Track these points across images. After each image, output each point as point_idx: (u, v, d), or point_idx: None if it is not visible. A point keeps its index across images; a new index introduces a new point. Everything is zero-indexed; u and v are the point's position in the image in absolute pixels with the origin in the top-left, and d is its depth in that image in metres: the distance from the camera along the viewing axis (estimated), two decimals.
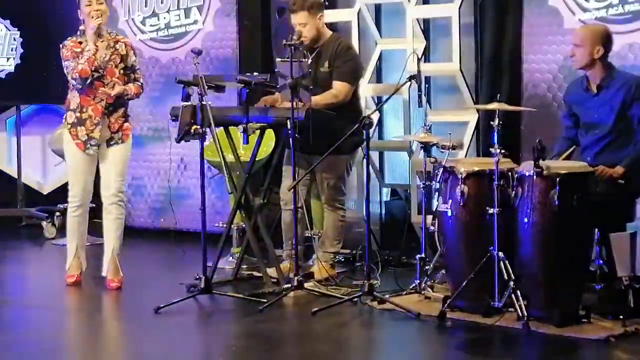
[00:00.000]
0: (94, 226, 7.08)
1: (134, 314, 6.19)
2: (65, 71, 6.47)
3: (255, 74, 6.52)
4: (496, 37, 7.19)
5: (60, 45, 6.51)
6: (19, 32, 8.89)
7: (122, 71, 6.54)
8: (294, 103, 6.10)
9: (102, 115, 6.48)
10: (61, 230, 8.55)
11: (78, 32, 6.54)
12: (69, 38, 6.53)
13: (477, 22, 7.25)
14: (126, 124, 6.63)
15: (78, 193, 6.58)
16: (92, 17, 6.37)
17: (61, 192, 8.98)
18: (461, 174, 5.74)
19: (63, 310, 6.38)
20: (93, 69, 6.38)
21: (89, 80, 6.40)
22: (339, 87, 6.54)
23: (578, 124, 6.01)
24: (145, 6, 8.70)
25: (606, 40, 5.85)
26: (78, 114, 6.47)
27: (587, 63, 5.82)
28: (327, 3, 7.31)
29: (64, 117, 6.59)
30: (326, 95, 6.50)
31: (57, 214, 8.72)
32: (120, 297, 6.60)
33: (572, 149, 5.98)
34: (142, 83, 6.69)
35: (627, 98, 5.74)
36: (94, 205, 6.90)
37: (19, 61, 8.88)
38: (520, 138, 6.85)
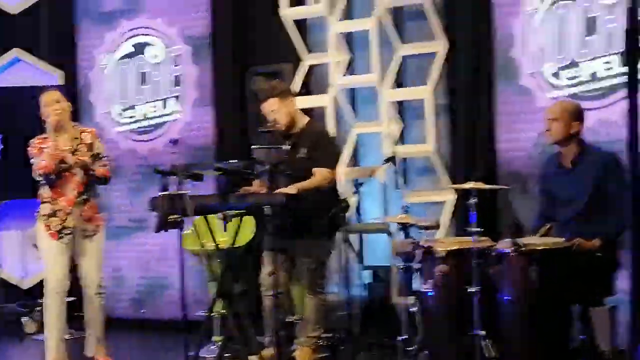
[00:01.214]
0: (76, 320, 7.02)
1: None
2: (33, 168, 6.59)
3: (233, 161, 6.56)
4: (470, 117, 7.27)
5: (28, 144, 6.65)
6: None
7: (90, 159, 6.64)
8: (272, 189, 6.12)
9: (74, 204, 6.57)
10: (42, 325, 8.47)
11: (46, 131, 6.66)
12: (36, 137, 6.67)
13: (451, 103, 7.34)
14: (98, 214, 6.74)
15: (54, 281, 6.60)
16: (50, 115, 6.54)
17: (41, 287, 8.93)
18: (439, 253, 5.76)
19: None
20: (58, 162, 6.48)
21: (52, 176, 6.52)
22: (322, 173, 6.56)
23: (554, 200, 6.04)
24: (123, 99, 8.76)
25: (580, 116, 5.91)
26: (51, 206, 6.58)
27: (563, 137, 5.85)
28: (303, 91, 7.43)
29: (37, 210, 6.66)
30: (311, 180, 6.52)
31: (38, 309, 8.63)
32: None
33: (548, 225, 5.99)
34: (109, 168, 6.80)
35: (602, 175, 5.76)
36: (75, 298, 6.86)
37: None
38: (497, 216, 6.88)
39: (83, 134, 6.72)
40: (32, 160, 6.58)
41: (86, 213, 6.64)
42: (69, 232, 6.57)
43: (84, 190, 6.63)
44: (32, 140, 6.65)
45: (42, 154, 6.52)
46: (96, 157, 6.70)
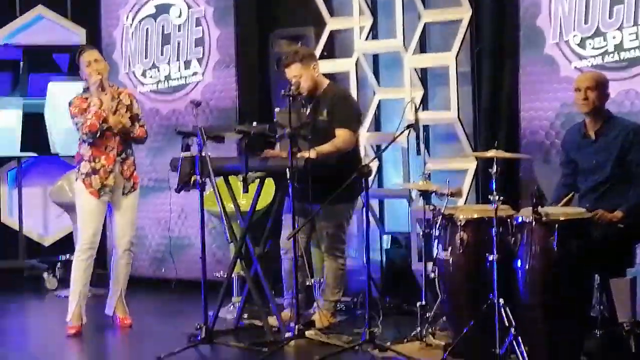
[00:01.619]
0: (98, 277, 7.09)
1: None
2: (75, 127, 6.68)
3: (254, 124, 6.57)
4: (493, 85, 7.26)
5: (68, 103, 6.73)
6: None
7: (128, 119, 6.75)
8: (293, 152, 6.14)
9: (114, 163, 6.68)
10: (62, 282, 8.57)
11: (82, 90, 6.77)
12: (74, 96, 6.73)
13: (474, 70, 7.33)
14: (135, 172, 6.88)
15: (90, 236, 6.69)
16: (92, 75, 6.61)
17: (62, 244, 9.03)
18: (460, 221, 5.77)
19: None
20: (101, 121, 6.53)
21: (98, 134, 6.58)
22: (342, 134, 6.57)
23: (576, 170, 6.04)
24: (145, 58, 8.78)
25: (608, 87, 5.93)
26: (92, 164, 6.67)
27: (597, 107, 5.86)
28: (325, 54, 7.40)
29: (77, 168, 6.75)
30: (332, 143, 6.53)
31: (59, 265, 8.75)
32: (121, 347, 6.62)
33: (570, 195, 5.99)
34: (146, 129, 6.93)
35: (625, 144, 5.77)
36: (96, 256, 6.93)
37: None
38: (519, 185, 6.88)
39: (121, 95, 6.81)
40: (74, 119, 6.65)
41: (125, 171, 6.76)
42: (108, 190, 6.69)
43: (123, 148, 6.75)
44: (72, 100, 6.71)
45: (85, 113, 6.58)
46: (134, 117, 6.81)
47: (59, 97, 8.60)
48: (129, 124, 6.74)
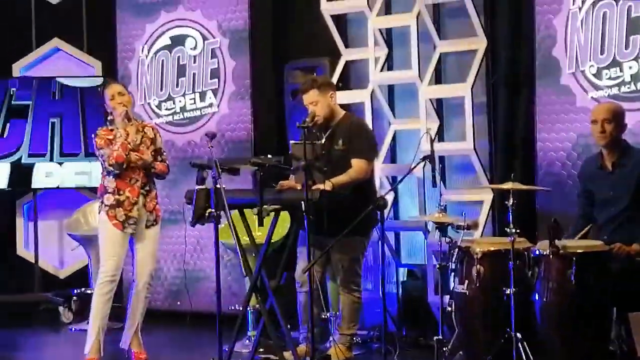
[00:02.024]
0: (113, 310, 7.04)
1: None
2: (100, 160, 6.69)
3: (269, 156, 6.54)
4: (509, 115, 7.22)
5: (93, 135, 6.75)
6: None
7: (152, 153, 6.76)
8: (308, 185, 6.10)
9: (138, 195, 6.67)
10: (78, 315, 8.55)
11: (107, 122, 6.78)
12: (99, 128, 6.76)
13: (490, 101, 7.29)
14: (158, 206, 6.87)
15: (111, 270, 6.65)
16: (118, 107, 6.64)
17: (77, 277, 9.01)
18: (477, 254, 5.73)
19: None
20: (127, 153, 6.55)
21: (125, 165, 6.57)
22: (358, 164, 6.55)
23: (593, 201, 5.99)
24: (161, 90, 8.79)
25: (625, 118, 5.91)
26: (117, 196, 6.66)
27: (614, 139, 5.81)
28: (340, 85, 7.38)
29: (101, 200, 6.73)
30: (347, 173, 6.51)
31: (74, 298, 8.72)
32: None
33: (588, 227, 5.94)
34: (167, 164, 6.93)
35: None
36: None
37: None
38: (535, 217, 6.82)
39: (146, 127, 6.83)
40: (100, 152, 6.64)
41: (149, 204, 6.75)
42: (132, 222, 6.66)
43: (147, 181, 6.75)
44: (97, 132, 6.71)
45: (110, 145, 6.59)
46: (158, 152, 6.82)
47: None
48: (150, 159, 6.73)
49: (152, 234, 6.80)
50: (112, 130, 6.68)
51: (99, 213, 6.75)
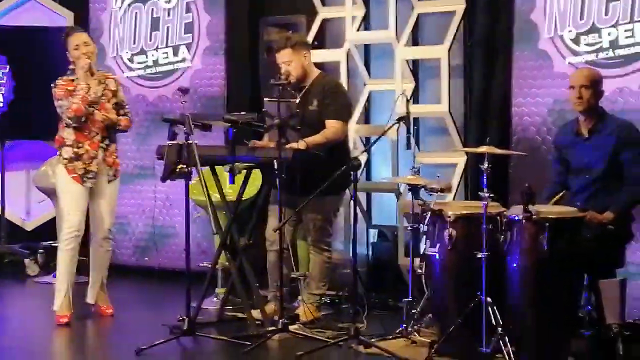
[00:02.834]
0: (79, 264, 6.96)
1: (116, 355, 6.12)
2: (59, 110, 6.55)
3: (242, 113, 6.47)
4: (486, 79, 7.17)
5: (52, 85, 6.60)
6: (7, 67, 8.83)
7: (113, 106, 6.66)
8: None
9: (98, 148, 6.57)
10: (44, 268, 8.47)
11: (68, 72, 6.64)
12: (59, 78, 6.60)
13: (467, 64, 7.24)
14: (117, 160, 6.78)
15: (75, 223, 6.57)
16: (81, 58, 6.50)
17: (45, 230, 8.90)
18: (449, 217, 5.69)
19: (47, 352, 6.24)
20: (87, 105, 6.42)
21: (84, 118, 6.44)
22: (334, 125, 6.49)
23: (568, 168, 5.96)
24: (134, 43, 8.66)
25: (602, 84, 5.86)
26: (75, 149, 6.54)
27: (591, 105, 5.78)
28: (316, 43, 7.30)
29: (59, 153, 6.62)
30: (322, 134, 6.45)
31: (41, 251, 8.63)
32: (101, 338, 6.55)
33: (562, 193, 5.92)
34: (130, 117, 6.82)
35: (619, 143, 5.69)
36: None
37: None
38: (508, 181, 6.80)
39: (108, 79, 6.71)
40: (59, 102, 6.51)
41: (108, 158, 6.65)
42: (92, 176, 6.58)
43: (107, 134, 6.65)
44: (57, 82, 6.57)
45: (70, 96, 6.46)
46: (119, 105, 6.71)
47: None
48: (115, 118, 6.63)
49: (112, 189, 6.72)
50: (72, 80, 6.55)
51: (57, 166, 6.64)
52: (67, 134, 6.57)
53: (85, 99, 6.44)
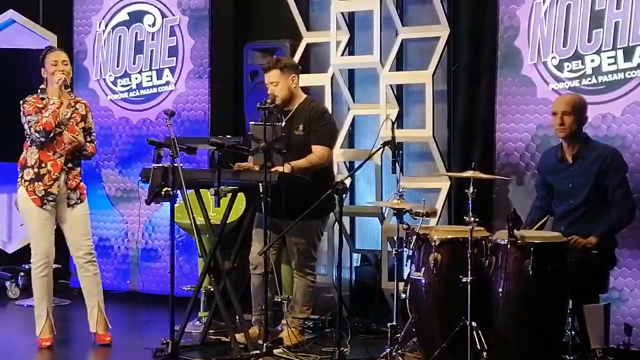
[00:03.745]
0: (60, 287, 6.93)
1: None
2: (26, 126, 6.47)
3: (227, 136, 6.47)
4: (469, 104, 7.22)
5: (21, 102, 6.54)
6: None
7: (81, 130, 6.58)
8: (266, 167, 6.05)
9: (60, 170, 6.48)
10: (25, 291, 8.41)
11: (39, 91, 6.58)
12: (29, 96, 6.56)
13: (451, 89, 7.29)
14: (82, 184, 6.67)
15: (44, 249, 6.50)
16: (57, 75, 6.45)
17: (26, 252, 8.81)
18: (435, 241, 5.71)
19: None
20: (56, 123, 6.38)
21: (52, 134, 6.40)
22: (320, 151, 6.51)
23: (552, 193, 6.00)
24: (117, 66, 8.66)
25: (586, 110, 5.91)
26: (36, 170, 6.47)
27: (574, 132, 5.81)
28: (300, 67, 7.31)
29: (20, 175, 6.55)
30: (307, 158, 6.46)
31: (22, 274, 8.57)
32: None
33: (545, 218, 5.96)
34: (96, 145, 6.78)
35: (603, 169, 5.74)
36: (60, 266, 6.79)
37: None
38: (492, 207, 6.82)
39: (78, 103, 6.64)
40: (27, 117, 6.43)
41: (71, 181, 6.56)
42: (52, 199, 6.48)
43: (72, 157, 6.55)
44: (27, 98, 6.52)
45: (39, 113, 6.39)
46: (87, 131, 6.64)
47: None
48: (83, 142, 6.54)
49: (79, 212, 6.60)
50: (42, 99, 6.49)
51: (18, 189, 6.55)
52: (30, 154, 6.49)
53: (55, 114, 6.36)
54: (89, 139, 6.63)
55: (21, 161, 6.58)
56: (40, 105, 6.44)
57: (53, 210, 6.50)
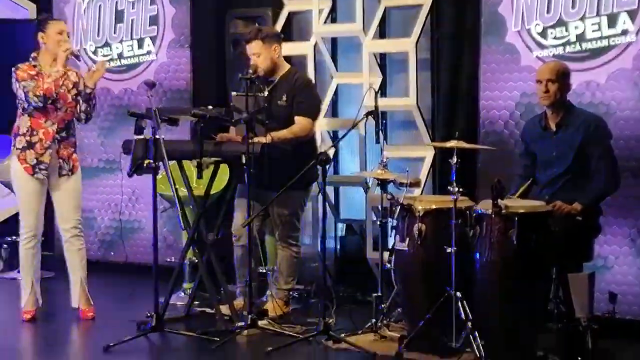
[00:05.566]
0: (44, 260, 6.88)
1: (84, 352, 6.07)
2: (20, 92, 6.39)
3: (209, 107, 6.41)
4: (453, 73, 7.17)
5: (13, 69, 6.47)
6: None
7: (74, 97, 6.53)
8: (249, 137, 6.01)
9: (52, 139, 6.44)
10: (8, 263, 8.37)
11: (30, 59, 6.51)
12: (21, 64, 6.48)
13: (434, 57, 7.24)
14: (75, 155, 6.62)
15: (31, 223, 6.47)
16: (64, 44, 6.41)
17: (9, 225, 8.79)
18: (419, 212, 5.69)
19: (12, 349, 6.13)
20: (56, 91, 6.35)
21: (50, 101, 6.34)
22: (303, 122, 6.47)
23: (535, 161, 5.98)
24: (98, 36, 8.57)
25: (570, 78, 5.88)
26: (28, 138, 6.42)
27: (558, 99, 5.79)
28: (282, 36, 7.25)
29: (13, 143, 6.50)
30: (290, 129, 6.42)
31: (5, 246, 8.52)
32: (70, 334, 6.47)
33: (529, 182, 5.93)
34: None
35: (586, 137, 5.71)
36: (44, 238, 6.74)
37: None
38: (476, 176, 6.79)
39: (69, 72, 6.57)
40: (23, 84, 6.36)
41: (63, 151, 6.51)
42: (43, 167, 6.43)
43: (65, 126, 6.51)
44: (19, 66, 6.44)
45: (34, 79, 6.33)
46: (80, 94, 6.55)
47: None
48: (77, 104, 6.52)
49: (72, 185, 6.57)
50: (34, 66, 6.44)
51: (11, 158, 6.51)
52: (22, 122, 6.44)
53: (58, 82, 6.33)
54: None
55: (14, 129, 6.54)
56: (33, 72, 6.39)
57: (45, 180, 6.46)
